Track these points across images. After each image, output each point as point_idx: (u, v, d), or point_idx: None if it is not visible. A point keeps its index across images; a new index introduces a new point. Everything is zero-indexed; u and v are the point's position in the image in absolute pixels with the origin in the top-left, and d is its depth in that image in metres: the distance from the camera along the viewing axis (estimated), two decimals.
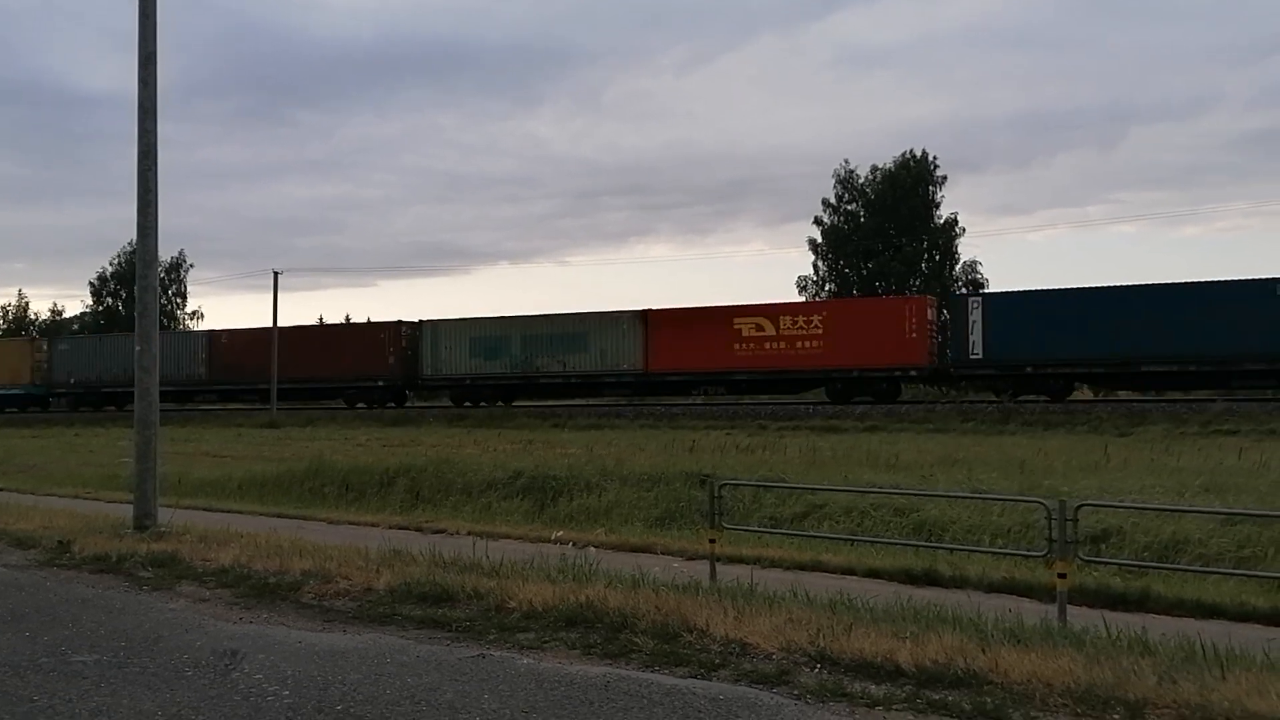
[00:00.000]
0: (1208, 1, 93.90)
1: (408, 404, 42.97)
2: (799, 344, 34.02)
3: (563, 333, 37.98)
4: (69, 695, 5.02)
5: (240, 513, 15.54)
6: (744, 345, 34.81)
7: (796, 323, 34.41)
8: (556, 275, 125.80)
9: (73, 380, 47.47)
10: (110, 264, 74.40)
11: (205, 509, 15.71)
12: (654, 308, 36.89)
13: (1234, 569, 9.66)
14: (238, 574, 8.07)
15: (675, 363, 35.77)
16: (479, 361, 39.27)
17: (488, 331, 39.36)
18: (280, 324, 44.45)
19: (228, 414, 43.36)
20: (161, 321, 21.34)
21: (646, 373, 36.39)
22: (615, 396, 39.12)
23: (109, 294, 74.60)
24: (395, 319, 42.13)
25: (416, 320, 41.40)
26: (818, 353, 33.58)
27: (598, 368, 37.16)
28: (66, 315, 79.66)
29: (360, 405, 41.69)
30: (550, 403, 40.05)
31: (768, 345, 34.47)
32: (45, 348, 49.63)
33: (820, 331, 33.69)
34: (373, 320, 42.65)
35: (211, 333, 47.36)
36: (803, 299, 52.86)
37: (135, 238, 11.20)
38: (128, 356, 43.52)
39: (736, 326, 34.95)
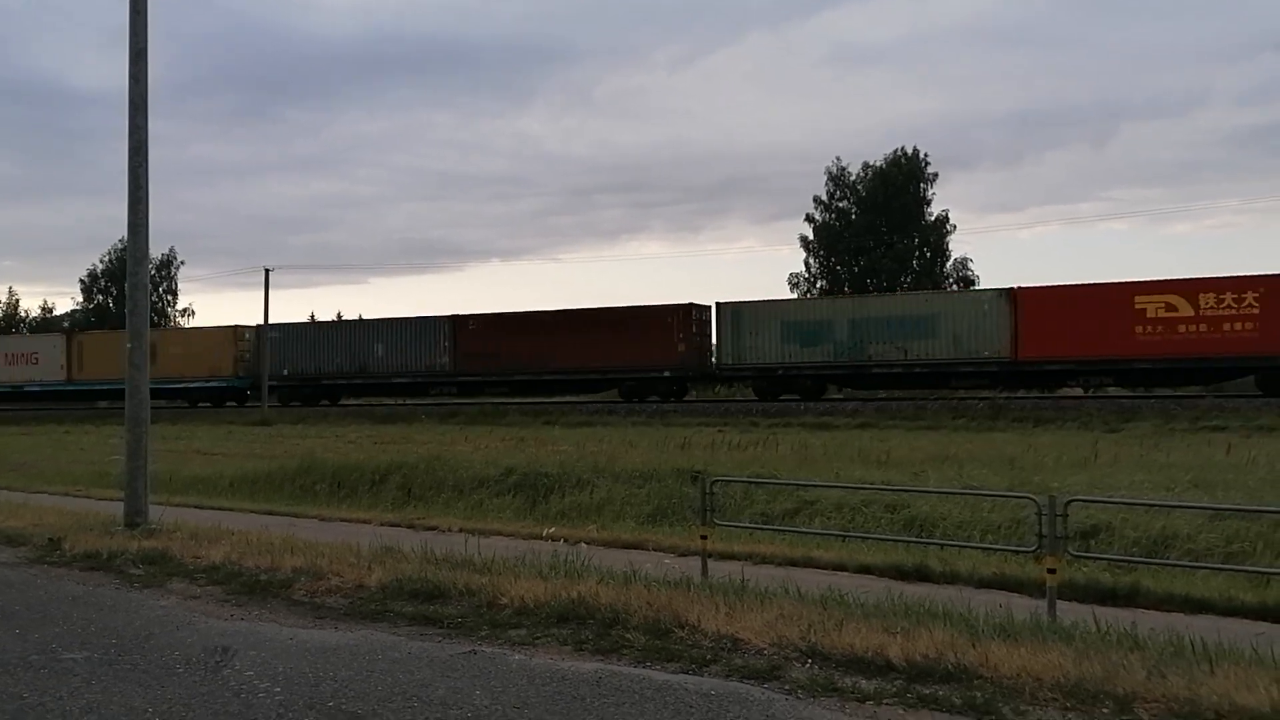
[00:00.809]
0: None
1: (689, 397, 38.66)
2: (1226, 326, 29.66)
3: (904, 315, 33.71)
4: (60, 693, 5.01)
5: (231, 510, 15.50)
6: (1148, 328, 30.46)
7: (1223, 300, 29.68)
8: (550, 272, 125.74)
9: (286, 371, 43.31)
10: (101, 261, 74.17)
11: (196, 506, 15.67)
12: (1024, 285, 33.34)
13: (1222, 564, 9.72)
14: (229, 571, 8.06)
15: (1052, 349, 31.58)
16: (793, 348, 34.86)
17: (805, 314, 35.52)
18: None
19: (218, 412, 43.21)
20: (152, 319, 21.25)
21: (1015, 361, 32.17)
22: (970, 388, 34.72)
23: (100, 291, 74.34)
24: (686, 301, 36.88)
25: (710, 302, 36.98)
26: (1251, 337, 29.13)
27: (950, 355, 32.79)
28: (57, 313, 79.33)
29: (638, 399, 36.77)
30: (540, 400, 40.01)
31: (1181, 328, 30.15)
32: (249, 336, 45.17)
33: (1256, 311, 29.19)
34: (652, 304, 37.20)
35: (456, 317, 40.73)
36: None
37: (126, 235, 11.16)
38: (356, 347, 41.54)
39: (1139, 306, 30.50)
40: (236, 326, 45.36)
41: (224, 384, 44.44)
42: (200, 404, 44.72)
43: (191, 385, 44.13)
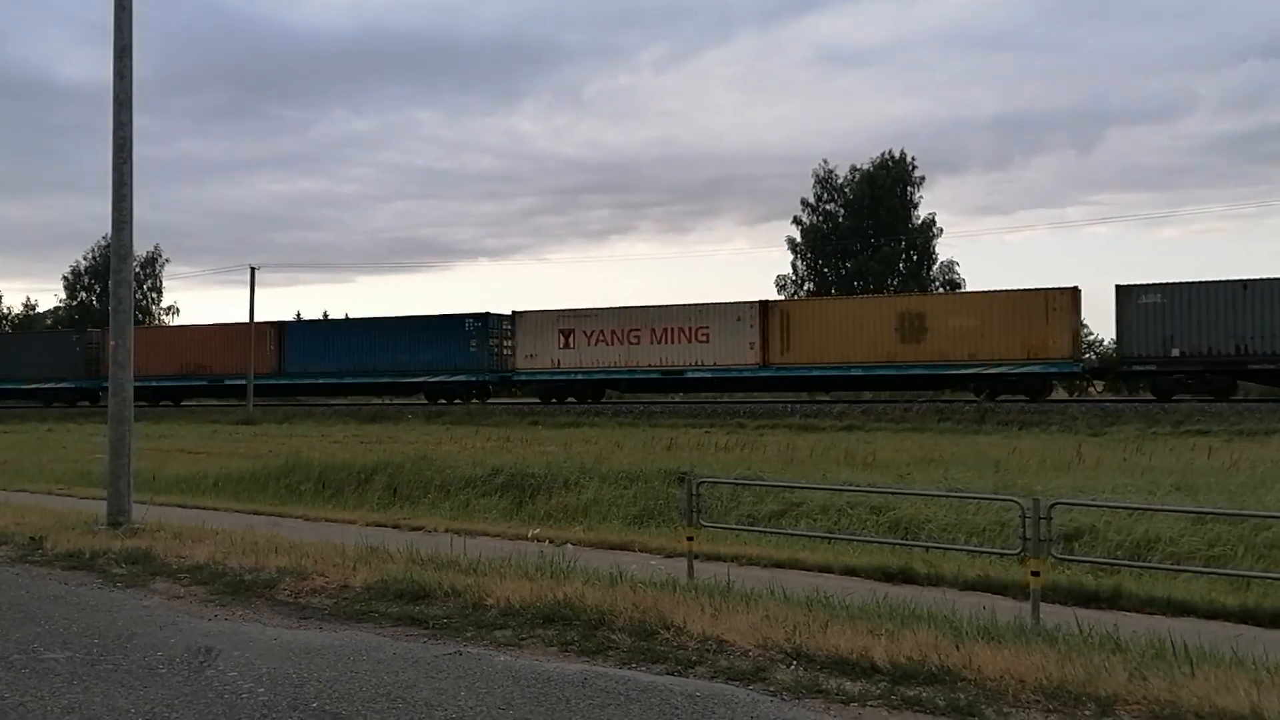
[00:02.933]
0: (1181, 5, 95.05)
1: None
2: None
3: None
4: (41, 693, 4.97)
5: (216, 510, 15.43)
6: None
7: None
8: (537, 272, 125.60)
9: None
10: (85, 258, 73.65)
11: (180, 506, 15.58)
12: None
13: (1204, 567, 9.79)
14: (212, 571, 8.02)
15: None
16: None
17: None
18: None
19: (204, 410, 43.01)
20: (136, 317, 21.09)
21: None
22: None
23: (83, 289, 73.80)
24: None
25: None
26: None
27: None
28: (40, 310, 78.73)
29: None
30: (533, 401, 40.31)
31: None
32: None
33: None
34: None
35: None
36: (781, 297, 53.06)
37: (110, 232, 11.08)
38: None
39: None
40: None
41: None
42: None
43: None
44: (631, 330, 36.36)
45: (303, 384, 42.91)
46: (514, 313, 38.59)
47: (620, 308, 36.99)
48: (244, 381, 41.83)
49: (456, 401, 38.84)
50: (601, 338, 36.65)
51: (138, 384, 37.76)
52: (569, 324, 37.18)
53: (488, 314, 39.10)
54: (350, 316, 47.56)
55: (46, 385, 45.91)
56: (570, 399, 37.34)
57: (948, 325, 32.37)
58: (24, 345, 48.86)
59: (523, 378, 38.22)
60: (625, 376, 36.80)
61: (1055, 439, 22.48)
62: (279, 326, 43.88)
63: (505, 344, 38.83)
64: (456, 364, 38.90)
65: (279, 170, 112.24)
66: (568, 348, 36.96)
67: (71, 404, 45.43)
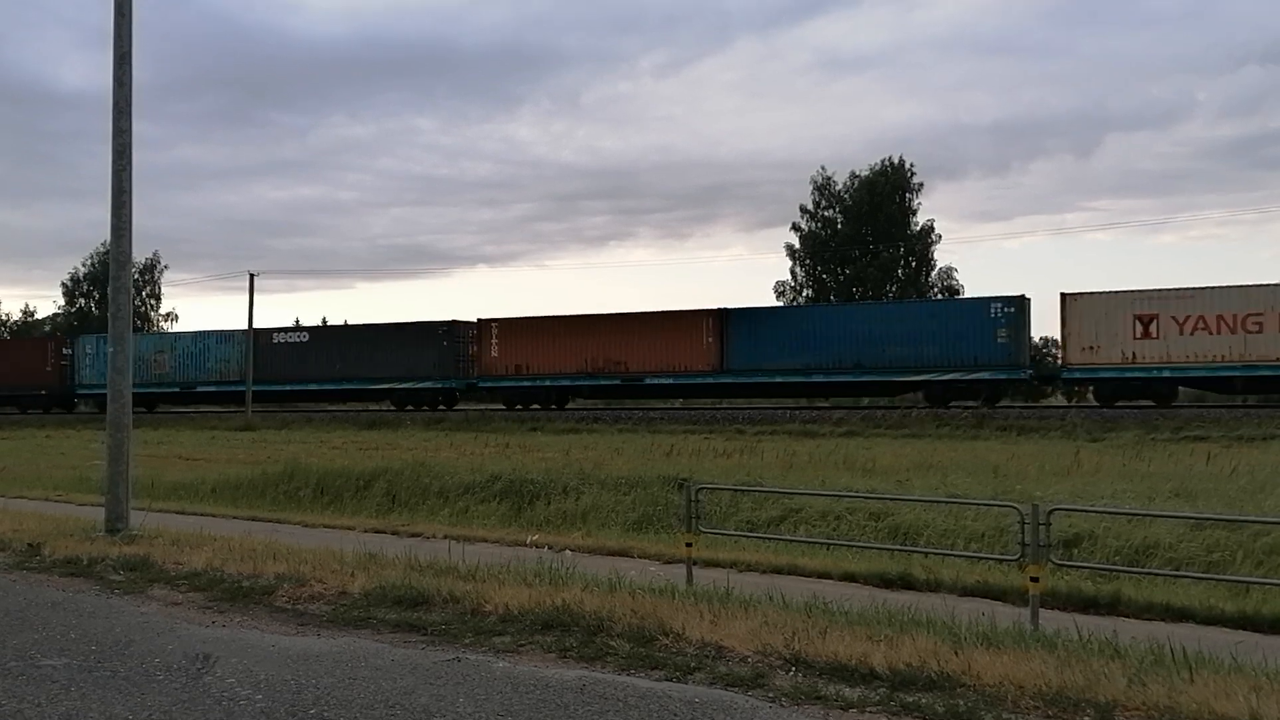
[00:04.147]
0: (1179, 11, 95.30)
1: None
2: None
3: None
4: (38, 699, 4.96)
5: (214, 516, 15.40)
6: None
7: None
8: (536, 279, 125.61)
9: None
10: (83, 264, 73.78)
11: (178, 512, 15.56)
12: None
13: (1203, 573, 9.80)
14: (211, 578, 8.00)
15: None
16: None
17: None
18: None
19: (202, 416, 43.02)
20: (134, 324, 21.08)
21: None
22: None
23: (81, 295, 73.85)
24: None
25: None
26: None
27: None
28: (39, 316, 78.71)
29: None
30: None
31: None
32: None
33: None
34: None
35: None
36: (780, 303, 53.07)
37: (109, 238, 11.08)
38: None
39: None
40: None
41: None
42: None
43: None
44: (1250, 316, 29.09)
45: (753, 384, 35.81)
46: (1062, 295, 31.10)
47: (1228, 287, 29.57)
48: (669, 381, 36.28)
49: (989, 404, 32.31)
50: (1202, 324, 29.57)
51: (529, 384, 36.99)
52: (1148, 307, 30.14)
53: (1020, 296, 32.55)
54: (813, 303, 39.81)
55: (403, 385, 40.49)
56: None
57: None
58: (381, 338, 41.34)
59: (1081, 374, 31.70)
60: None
61: (1054, 445, 22.48)
62: (719, 315, 35.65)
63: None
64: (978, 357, 32.32)
65: (278, 176, 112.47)
66: (1147, 337, 30.01)
67: (432, 407, 40.13)
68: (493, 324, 39.01)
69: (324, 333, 44.11)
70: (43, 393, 47.70)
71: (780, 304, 35.71)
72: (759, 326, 35.44)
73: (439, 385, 39.82)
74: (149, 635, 6.29)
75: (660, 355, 36.33)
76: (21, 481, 22.46)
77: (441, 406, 40.26)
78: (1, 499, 16.86)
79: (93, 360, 45.62)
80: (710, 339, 35.55)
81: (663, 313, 36.99)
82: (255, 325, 43.62)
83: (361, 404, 43.22)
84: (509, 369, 38.50)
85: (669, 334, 36.22)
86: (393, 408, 40.98)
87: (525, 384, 38.11)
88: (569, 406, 39.36)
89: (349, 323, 44.49)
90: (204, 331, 45.74)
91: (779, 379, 34.89)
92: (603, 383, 37.28)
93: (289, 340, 43.44)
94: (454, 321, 39.91)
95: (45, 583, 8.20)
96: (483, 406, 40.44)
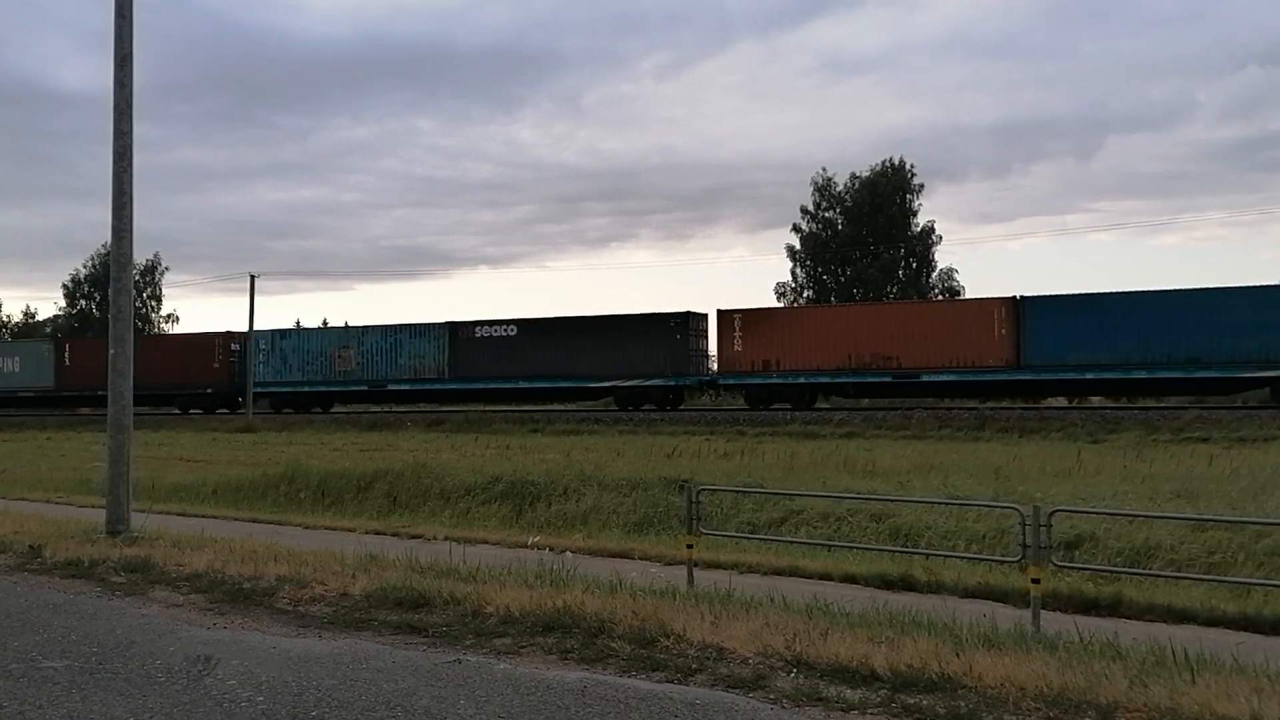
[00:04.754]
0: (1180, 12, 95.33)
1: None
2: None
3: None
4: (39, 701, 4.96)
5: (215, 518, 15.40)
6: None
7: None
8: (537, 280, 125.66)
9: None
10: (84, 266, 73.82)
11: (179, 514, 15.57)
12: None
13: (1204, 575, 9.79)
14: (212, 579, 8.01)
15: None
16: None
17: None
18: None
19: (202, 418, 42.99)
20: (135, 325, 21.06)
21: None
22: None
23: (82, 296, 73.91)
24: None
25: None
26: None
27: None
28: (39, 318, 78.77)
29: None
30: (528, 408, 40.06)
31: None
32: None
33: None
34: None
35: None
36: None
37: (110, 240, 11.09)
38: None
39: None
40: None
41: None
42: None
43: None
44: None
45: (1056, 382, 31.70)
46: None
47: None
48: (951, 378, 32.18)
49: None
50: None
51: (778, 381, 32.65)
52: None
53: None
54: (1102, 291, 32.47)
55: (628, 383, 36.57)
56: None
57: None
58: (602, 331, 37.66)
59: None
60: None
61: (1055, 446, 22.47)
62: (1013, 304, 31.60)
63: None
64: None
65: (278, 178, 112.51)
66: None
67: (660, 407, 36.15)
68: (735, 315, 35.03)
69: (535, 326, 38.90)
70: (208, 391, 44.43)
71: (1092, 291, 30.42)
72: (1064, 314, 30.84)
73: (670, 382, 36.02)
74: (150, 637, 6.29)
75: (940, 349, 32.02)
76: (23, 483, 22.47)
77: (668, 407, 36.10)
78: (3, 501, 16.87)
79: (266, 357, 43.04)
80: (1003, 330, 31.33)
81: (944, 301, 34.85)
82: (451, 319, 40.31)
83: (576, 404, 39.35)
84: (754, 364, 34.37)
85: (951, 324, 32.28)
86: (614, 408, 36.68)
87: (774, 381, 34.07)
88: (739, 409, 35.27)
89: (561, 315, 38.83)
90: (396, 325, 41.58)
91: (1089, 375, 30.58)
92: (869, 380, 33.25)
93: (494, 334, 39.18)
94: (688, 313, 36.42)
95: (46, 585, 8.21)
96: (717, 409, 36.63)
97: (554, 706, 4.73)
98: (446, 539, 12.30)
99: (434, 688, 5.07)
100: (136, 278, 62.28)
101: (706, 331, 36.86)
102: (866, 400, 36.00)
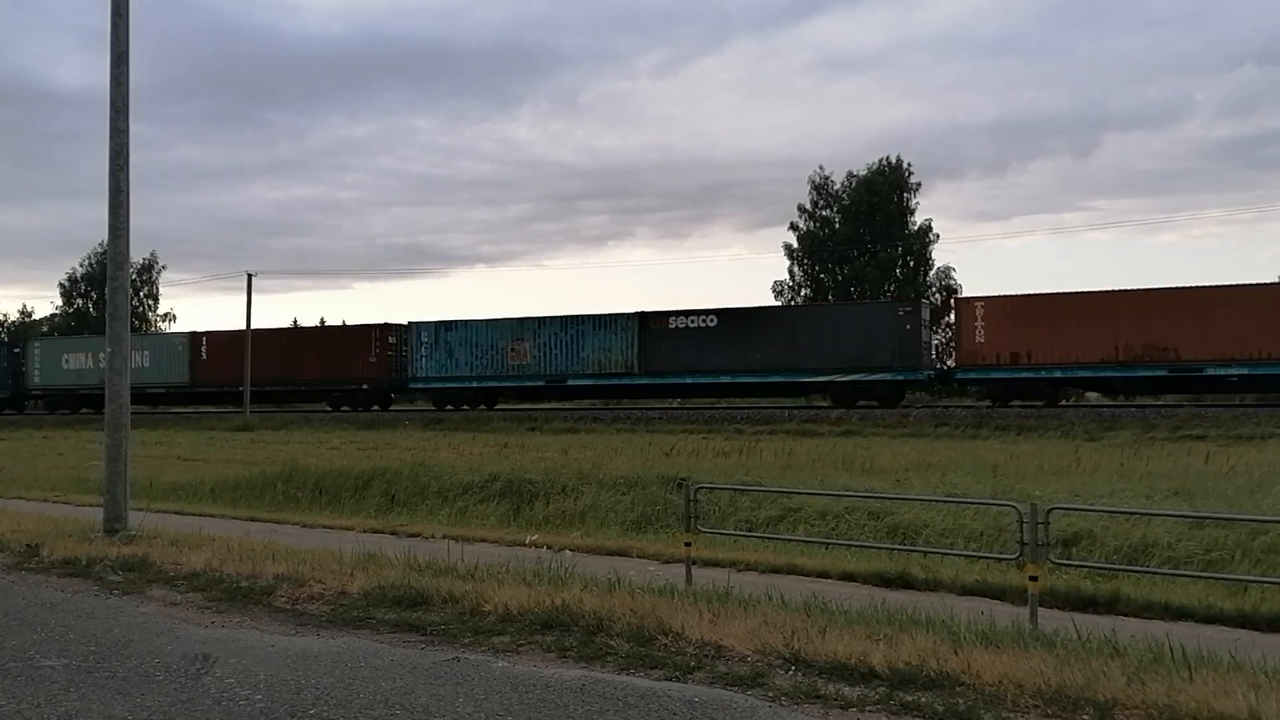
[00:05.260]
0: (1177, 11, 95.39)
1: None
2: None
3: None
4: (37, 700, 4.95)
5: (212, 516, 15.39)
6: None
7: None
8: (534, 279, 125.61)
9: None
10: (81, 265, 73.73)
11: (177, 513, 15.55)
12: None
13: (1202, 572, 9.80)
14: (209, 578, 8.00)
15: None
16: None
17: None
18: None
19: (200, 416, 42.94)
20: (132, 324, 20.94)
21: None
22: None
23: (79, 295, 73.85)
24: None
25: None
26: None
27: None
28: (36, 317, 78.64)
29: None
30: (526, 406, 39.88)
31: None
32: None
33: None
34: None
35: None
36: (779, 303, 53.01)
37: (106, 239, 11.06)
38: None
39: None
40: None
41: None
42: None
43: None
44: None
45: None
46: None
47: None
48: (1244, 371, 28.94)
49: None
50: None
51: (1028, 376, 31.43)
52: None
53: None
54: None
55: (848, 377, 33.55)
56: None
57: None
58: (818, 320, 35.28)
59: None
60: None
61: (1053, 444, 22.50)
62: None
63: None
64: None
65: (275, 176, 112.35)
66: None
67: (885, 404, 33.14)
68: (977, 303, 32.34)
69: (738, 316, 35.95)
70: (363, 387, 41.84)
71: None
72: None
73: (898, 377, 33.16)
74: (148, 636, 6.29)
75: (1228, 338, 28.95)
76: (20, 482, 22.43)
77: (890, 405, 33.33)
78: (0, 499, 16.84)
79: (429, 350, 40.30)
80: None
81: (1229, 287, 29.71)
82: (643, 309, 37.71)
83: (785, 400, 36.67)
84: (1000, 357, 31.61)
85: (1240, 311, 28.98)
86: (825, 403, 34.29)
87: (1024, 375, 31.40)
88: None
89: (768, 305, 36.62)
90: (578, 315, 38.84)
91: None
92: (1140, 374, 30.30)
93: (691, 325, 36.16)
94: (919, 299, 34.77)
95: (44, 583, 8.20)
96: (948, 403, 34.55)
97: (552, 704, 4.73)
98: (444, 537, 12.29)
99: (432, 686, 5.07)
100: (133, 276, 62.08)
101: (930, 322, 34.58)
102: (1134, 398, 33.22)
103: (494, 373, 39.47)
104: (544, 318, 39.37)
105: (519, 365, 38.95)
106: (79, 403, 46.88)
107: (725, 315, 36.16)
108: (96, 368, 44.87)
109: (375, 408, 42.13)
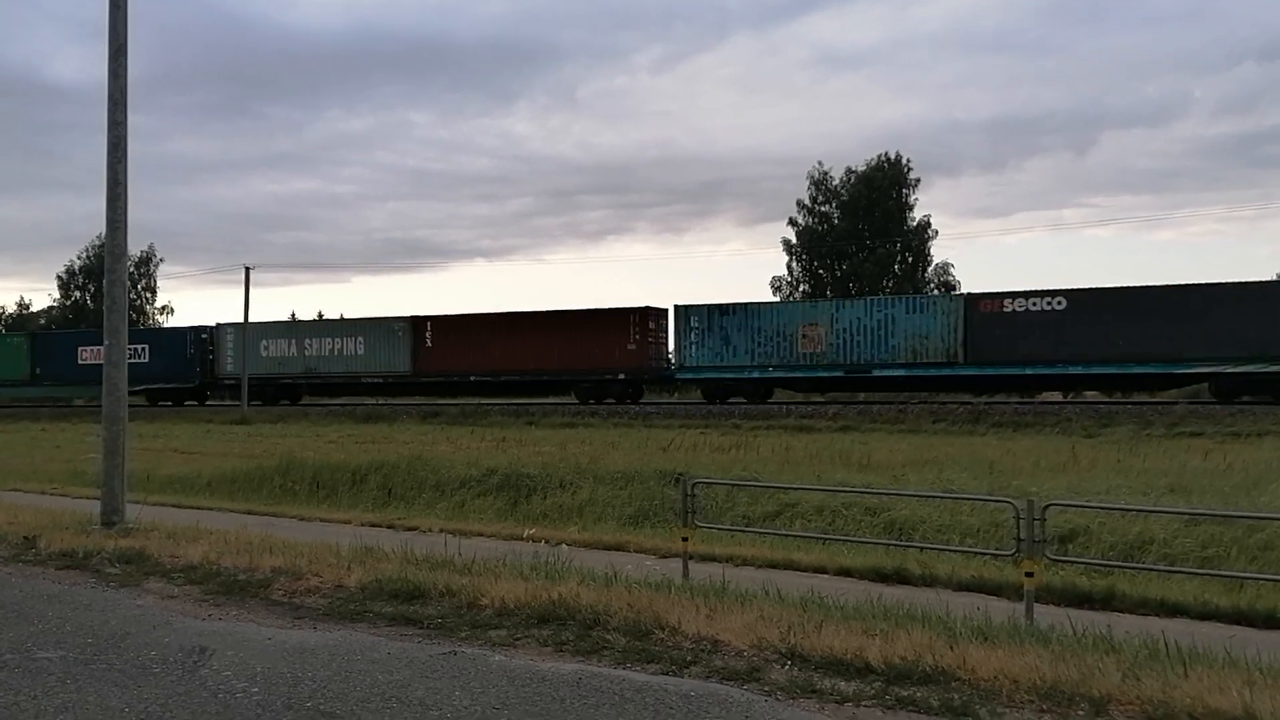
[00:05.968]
0: (1176, 9, 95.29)
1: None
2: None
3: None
4: (34, 692, 4.96)
5: (210, 509, 15.40)
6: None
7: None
8: (534, 273, 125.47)
9: None
10: (79, 257, 73.63)
11: (174, 506, 15.55)
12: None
13: (1197, 568, 9.82)
14: (207, 571, 8.00)
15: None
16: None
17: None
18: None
19: (196, 409, 42.89)
20: (130, 317, 20.88)
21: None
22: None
23: (77, 288, 73.75)
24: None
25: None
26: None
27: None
28: (34, 310, 78.51)
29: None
30: (523, 401, 39.65)
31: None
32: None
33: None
34: None
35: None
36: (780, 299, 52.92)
37: (104, 231, 11.04)
38: None
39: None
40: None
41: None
42: None
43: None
44: None
45: None
46: None
47: None
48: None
49: None
50: None
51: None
52: None
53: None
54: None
55: (1238, 369, 28.47)
56: None
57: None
58: (1193, 301, 29.25)
59: None
60: None
61: (1050, 440, 22.52)
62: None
63: None
64: None
65: (273, 170, 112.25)
66: None
67: (1277, 398, 27.93)
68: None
69: (1092, 298, 30.51)
70: (620, 377, 36.93)
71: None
72: None
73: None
74: (145, 628, 6.29)
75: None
76: (17, 474, 22.43)
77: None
78: None
79: (700, 337, 35.34)
80: None
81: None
82: (972, 290, 33.29)
83: (1161, 396, 31.77)
84: None
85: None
86: (1213, 400, 29.41)
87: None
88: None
89: (1127, 285, 29.90)
90: (887, 297, 35.16)
91: None
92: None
93: (1032, 308, 30.88)
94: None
95: (41, 575, 8.19)
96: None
97: (549, 698, 4.73)
98: (442, 531, 12.30)
99: (429, 679, 5.07)
100: (131, 269, 61.84)
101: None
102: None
103: (780, 361, 34.48)
104: (843, 300, 36.15)
105: (812, 354, 33.92)
106: (279, 393, 43.81)
107: (1076, 297, 30.89)
108: (301, 355, 43.03)
109: (628, 401, 37.49)
